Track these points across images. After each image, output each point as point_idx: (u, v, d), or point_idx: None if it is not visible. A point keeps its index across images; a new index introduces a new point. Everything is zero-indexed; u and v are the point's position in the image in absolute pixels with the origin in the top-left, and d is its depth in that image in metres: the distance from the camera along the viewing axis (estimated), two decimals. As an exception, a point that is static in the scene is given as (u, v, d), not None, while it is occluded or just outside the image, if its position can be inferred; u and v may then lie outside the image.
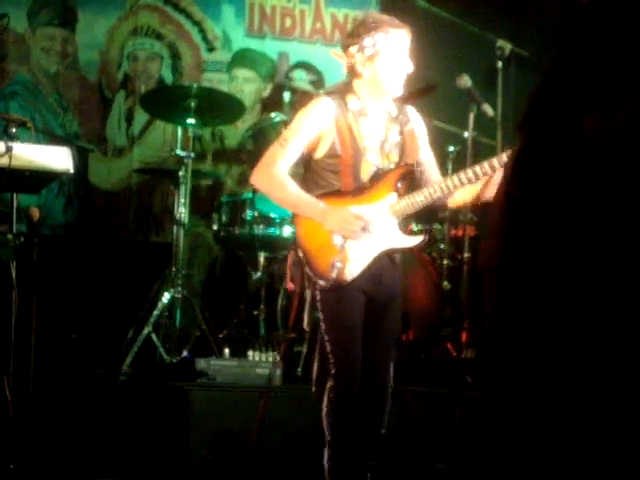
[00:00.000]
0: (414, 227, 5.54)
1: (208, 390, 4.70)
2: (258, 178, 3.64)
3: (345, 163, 3.61)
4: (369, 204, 3.60)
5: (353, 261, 3.55)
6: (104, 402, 4.87)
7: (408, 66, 3.64)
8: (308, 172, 3.70)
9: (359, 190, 3.62)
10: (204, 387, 4.70)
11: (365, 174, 3.63)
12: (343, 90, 3.70)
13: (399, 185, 3.62)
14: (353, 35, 3.66)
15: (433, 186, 3.60)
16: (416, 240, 3.66)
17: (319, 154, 3.64)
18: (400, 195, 3.62)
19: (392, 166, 3.67)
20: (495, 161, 3.52)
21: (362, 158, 3.62)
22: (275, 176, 3.59)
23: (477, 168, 3.55)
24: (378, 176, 3.64)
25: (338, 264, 3.53)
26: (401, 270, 3.74)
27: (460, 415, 4.70)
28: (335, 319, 3.57)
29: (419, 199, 3.59)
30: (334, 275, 3.53)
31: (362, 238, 3.56)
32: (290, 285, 3.76)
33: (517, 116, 2.40)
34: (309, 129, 3.63)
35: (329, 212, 3.55)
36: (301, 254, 3.60)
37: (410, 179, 3.69)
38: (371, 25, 3.61)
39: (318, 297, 3.58)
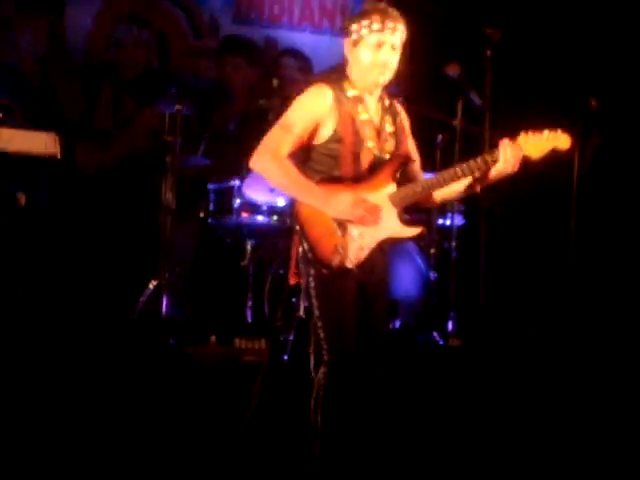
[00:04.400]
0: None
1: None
2: (259, 162, 3.56)
3: (347, 149, 3.57)
4: (369, 192, 3.57)
5: (355, 248, 3.54)
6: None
7: (390, 60, 3.56)
8: (306, 158, 3.65)
9: (359, 178, 3.57)
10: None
11: (365, 162, 3.60)
12: (339, 77, 3.67)
13: (397, 175, 3.61)
14: (348, 20, 3.66)
15: (431, 178, 3.59)
16: (415, 231, 3.64)
17: (319, 140, 3.59)
18: (398, 185, 3.60)
19: (387, 155, 3.64)
20: (497, 153, 3.50)
21: (363, 145, 3.59)
22: (277, 160, 3.52)
23: (478, 160, 3.53)
24: (377, 165, 3.60)
25: (340, 250, 3.50)
26: (388, 258, 3.72)
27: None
28: (329, 307, 3.54)
29: (418, 189, 3.58)
30: (337, 261, 3.51)
31: (366, 225, 3.53)
32: (294, 279, 3.68)
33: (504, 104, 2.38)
34: (309, 115, 3.57)
35: (333, 198, 3.52)
36: (303, 241, 3.55)
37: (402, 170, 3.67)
38: (362, 11, 3.60)
39: (312, 285, 3.55)
